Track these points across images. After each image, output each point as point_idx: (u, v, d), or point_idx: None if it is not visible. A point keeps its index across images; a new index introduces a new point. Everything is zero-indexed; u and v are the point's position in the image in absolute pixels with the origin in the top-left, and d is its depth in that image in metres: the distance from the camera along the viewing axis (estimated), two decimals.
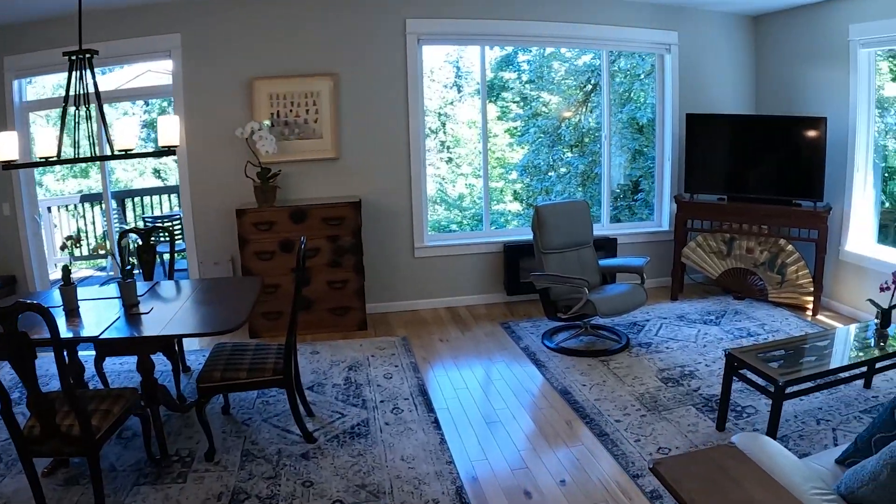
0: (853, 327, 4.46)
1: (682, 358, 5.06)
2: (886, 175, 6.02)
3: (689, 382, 4.62)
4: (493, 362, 5.07)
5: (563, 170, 8.08)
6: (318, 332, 5.62)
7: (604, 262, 5.72)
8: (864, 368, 4.15)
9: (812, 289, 5.97)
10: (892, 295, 4.18)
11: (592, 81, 7.61)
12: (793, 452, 3.67)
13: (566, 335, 5.47)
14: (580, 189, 7.93)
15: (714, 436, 3.89)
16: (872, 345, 4.10)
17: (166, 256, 5.68)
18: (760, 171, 6.35)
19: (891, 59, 5.79)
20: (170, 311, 3.79)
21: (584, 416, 4.17)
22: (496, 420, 4.16)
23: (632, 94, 7.82)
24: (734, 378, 3.95)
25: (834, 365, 3.79)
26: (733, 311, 6.12)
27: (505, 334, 5.63)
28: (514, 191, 8.44)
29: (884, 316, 4.20)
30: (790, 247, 6.05)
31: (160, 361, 4.51)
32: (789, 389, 3.58)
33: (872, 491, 2.16)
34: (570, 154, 8.06)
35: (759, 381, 3.78)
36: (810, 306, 6.04)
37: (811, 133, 5.95)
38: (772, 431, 3.60)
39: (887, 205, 6.07)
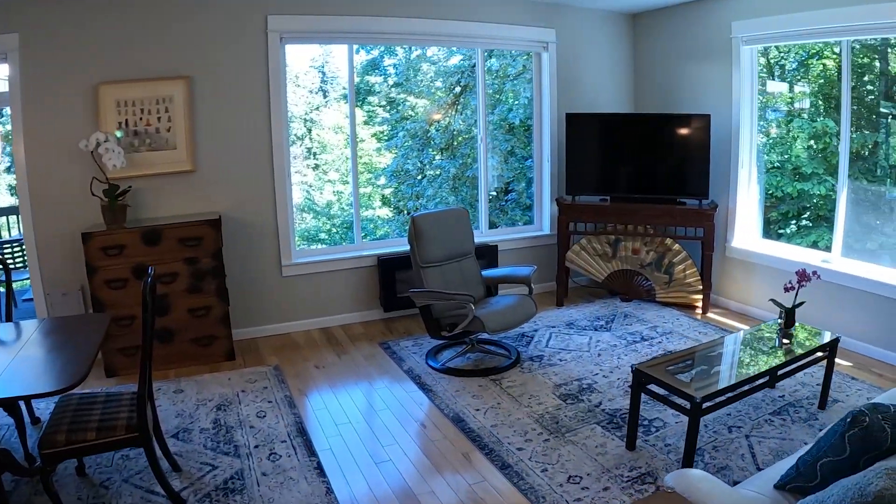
0: (756, 328, 4.27)
1: (578, 370, 4.71)
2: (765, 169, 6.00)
3: (590, 397, 4.27)
4: (375, 389, 4.50)
5: (433, 173, 7.67)
6: (182, 366, 4.85)
7: (487, 272, 5.28)
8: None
9: (701, 287, 5.85)
10: (796, 294, 4.01)
11: (462, 83, 7.24)
12: (709, 466, 3.45)
13: (451, 353, 4.99)
14: (452, 193, 7.55)
15: (626, 456, 3.56)
16: (777, 345, 3.95)
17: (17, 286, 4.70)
18: (644, 171, 6.17)
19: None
20: (1, 363, 2.98)
21: (483, 446, 3.70)
22: (386, 459, 3.60)
23: (501, 96, 7.52)
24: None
25: (749, 373, 3.55)
26: (622, 314, 5.87)
27: (385, 356, 5.07)
28: (383, 196, 7.96)
29: (787, 315, 4.05)
30: (677, 246, 5.90)
31: (2, 415, 3.72)
32: (706, 404, 3.28)
33: None
34: (440, 157, 7.67)
35: (670, 396, 3.47)
36: (699, 304, 5.92)
37: (695, 131, 5.83)
38: (690, 450, 3.31)
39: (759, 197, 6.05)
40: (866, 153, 5.41)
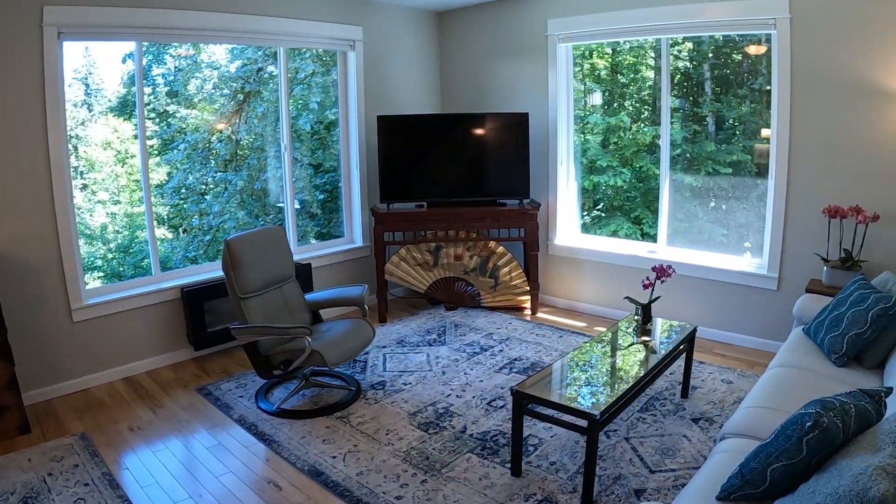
0: (614, 328, 4.16)
1: (428, 393, 4.29)
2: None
3: (451, 422, 3.88)
4: (209, 449, 3.66)
5: (218, 188, 6.83)
6: None
7: (312, 296, 4.66)
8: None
9: (528, 288, 5.73)
10: (652, 290, 3.95)
11: (246, 89, 6.50)
12: (604, 478, 3.24)
13: (284, 392, 4.32)
14: (241, 208, 6.78)
15: (516, 484, 3.22)
16: (635, 341, 3.90)
17: None
18: (463, 173, 5.90)
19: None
20: None
21: (355, 501, 3.14)
22: None
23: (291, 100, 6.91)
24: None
25: (636, 377, 3.39)
26: (452, 324, 5.57)
27: (208, 404, 4.24)
28: (159, 215, 6.94)
29: (644, 312, 3.99)
30: (501, 248, 5.72)
31: None
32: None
33: None
34: (225, 170, 6.85)
35: (554, 413, 3.24)
36: (527, 305, 5.80)
37: (514, 129, 5.69)
38: (590, 468, 3.02)
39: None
40: (647, 142, 5.69)
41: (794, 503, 1.97)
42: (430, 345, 5.14)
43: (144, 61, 5.93)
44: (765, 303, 4.82)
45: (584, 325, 5.54)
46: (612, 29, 5.30)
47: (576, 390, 3.33)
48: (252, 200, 6.75)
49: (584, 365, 3.61)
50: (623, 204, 6.10)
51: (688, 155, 5.50)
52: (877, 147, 4.20)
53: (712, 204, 5.42)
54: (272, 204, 6.40)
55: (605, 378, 3.44)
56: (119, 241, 6.36)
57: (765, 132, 5.17)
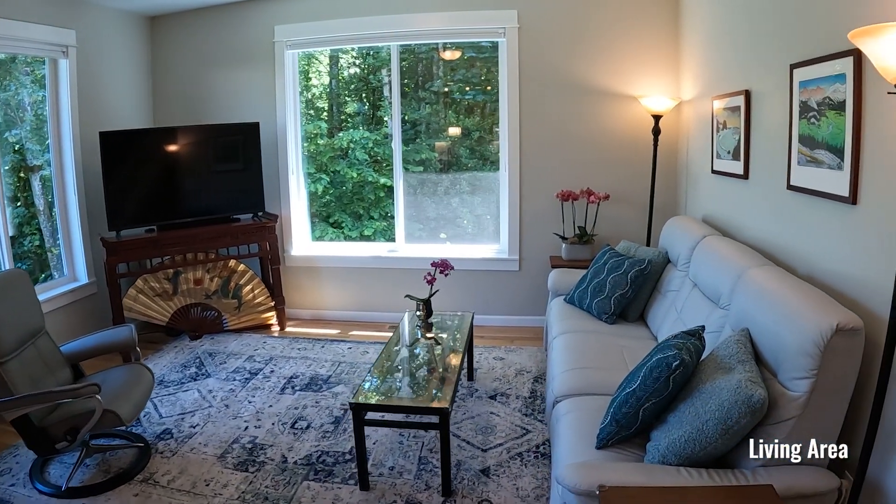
0: (398, 328, 4.32)
1: (223, 431, 3.99)
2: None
3: (267, 455, 3.69)
4: None
5: None
6: None
7: (68, 346, 3.95)
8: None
9: (272, 304, 5.59)
10: (432, 284, 4.19)
11: None
12: (469, 469, 3.47)
13: (62, 467, 3.62)
14: None
15: (371, 499, 3.22)
16: (420, 336, 4.12)
17: None
18: (194, 190, 5.48)
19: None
20: None
21: None
22: None
23: None
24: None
25: (456, 368, 3.66)
26: (206, 353, 5.18)
27: None
28: None
29: (426, 307, 4.21)
30: (242, 266, 5.50)
31: None
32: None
33: (725, 442, 2.24)
34: None
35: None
36: (274, 322, 5.67)
37: (245, 141, 5.46)
38: (447, 460, 3.21)
39: None
40: (343, 147, 5.95)
41: (675, 429, 2.35)
42: (195, 379, 4.75)
43: None
44: (509, 283, 5.41)
45: (337, 331, 5.62)
46: (342, 36, 5.42)
47: (414, 392, 3.44)
48: None
49: (397, 368, 3.73)
50: (320, 210, 6.17)
51: (379, 157, 5.87)
52: (601, 137, 5.03)
53: (416, 198, 5.87)
54: None
55: (426, 375, 3.61)
56: None
57: (452, 130, 5.75)
